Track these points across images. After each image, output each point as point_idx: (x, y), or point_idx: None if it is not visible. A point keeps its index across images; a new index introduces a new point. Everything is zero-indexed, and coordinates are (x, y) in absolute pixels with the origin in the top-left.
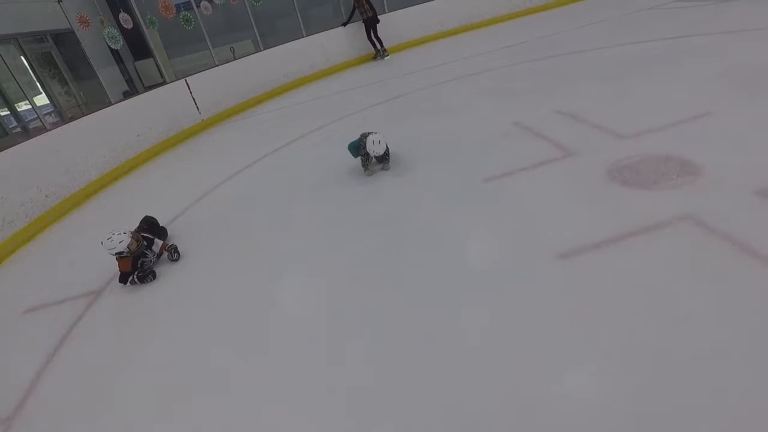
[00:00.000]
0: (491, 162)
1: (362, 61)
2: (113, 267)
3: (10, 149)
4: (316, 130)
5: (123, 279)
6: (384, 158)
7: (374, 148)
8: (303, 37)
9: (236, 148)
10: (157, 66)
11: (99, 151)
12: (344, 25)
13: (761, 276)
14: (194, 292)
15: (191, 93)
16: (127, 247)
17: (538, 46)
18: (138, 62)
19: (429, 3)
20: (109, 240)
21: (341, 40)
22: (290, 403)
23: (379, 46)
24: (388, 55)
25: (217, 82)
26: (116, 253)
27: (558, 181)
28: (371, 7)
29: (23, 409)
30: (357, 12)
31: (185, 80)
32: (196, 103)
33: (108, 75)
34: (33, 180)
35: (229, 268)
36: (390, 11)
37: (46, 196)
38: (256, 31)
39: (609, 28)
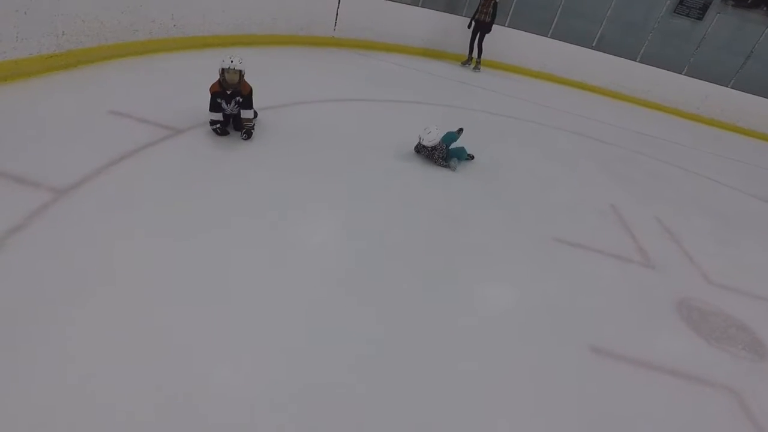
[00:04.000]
0: (571, 226)
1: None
2: (197, 117)
3: None
4: (416, 102)
5: (213, 106)
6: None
7: (425, 135)
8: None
9: (350, 78)
10: None
11: (234, 13)
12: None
13: None
14: (254, 177)
15: (338, 8)
16: (230, 69)
17: (663, 145)
18: None
19: (582, 48)
20: (228, 57)
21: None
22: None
23: (476, 55)
24: (479, 70)
25: (365, 11)
26: (224, 67)
27: (626, 282)
28: (493, 13)
29: (70, 194)
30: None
31: None
32: (336, 19)
33: None
34: (167, 7)
35: (290, 177)
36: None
37: (174, 25)
38: None
39: (749, 171)
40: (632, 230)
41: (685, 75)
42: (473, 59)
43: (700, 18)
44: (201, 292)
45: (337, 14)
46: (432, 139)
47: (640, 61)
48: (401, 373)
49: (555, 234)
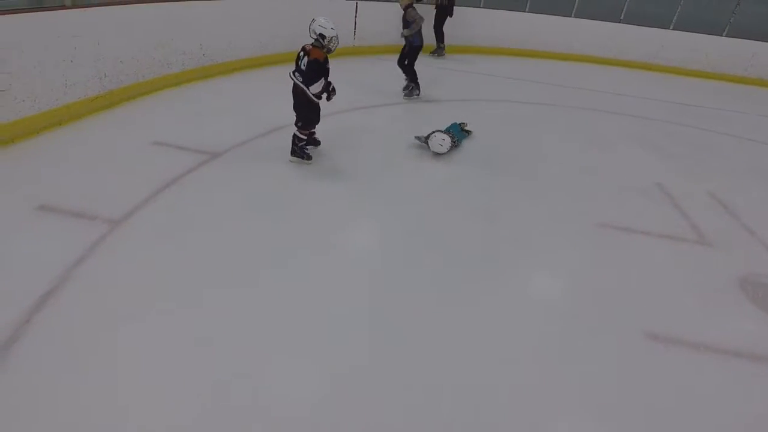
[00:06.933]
0: (615, 210)
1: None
2: (232, 138)
3: (188, 2)
4: (439, 101)
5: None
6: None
7: (441, 150)
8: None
9: (369, 84)
10: None
11: (257, 36)
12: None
13: None
14: (293, 187)
15: (356, 16)
16: (331, 38)
17: (710, 114)
18: None
19: (609, 23)
20: (327, 21)
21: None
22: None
23: (440, 41)
24: (445, 55)
25: (382, 17)
26: (321, 34)
27: (680, 262)
28: None
29: (124, 224)
30: None
31: (356, 2)
32: (355, 28)
33: None
34: (196, 38)
35: (327, 185)
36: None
37: (203, 54)
38: None
39: None
40: (683, 208)
41: (726, 36)
42: (444, 45)
43: None
44: (256, 307)
45: (355, 23)
46: (447, 145)
47: (673, 29)
48: (449, 363)
49: (599, 219)
